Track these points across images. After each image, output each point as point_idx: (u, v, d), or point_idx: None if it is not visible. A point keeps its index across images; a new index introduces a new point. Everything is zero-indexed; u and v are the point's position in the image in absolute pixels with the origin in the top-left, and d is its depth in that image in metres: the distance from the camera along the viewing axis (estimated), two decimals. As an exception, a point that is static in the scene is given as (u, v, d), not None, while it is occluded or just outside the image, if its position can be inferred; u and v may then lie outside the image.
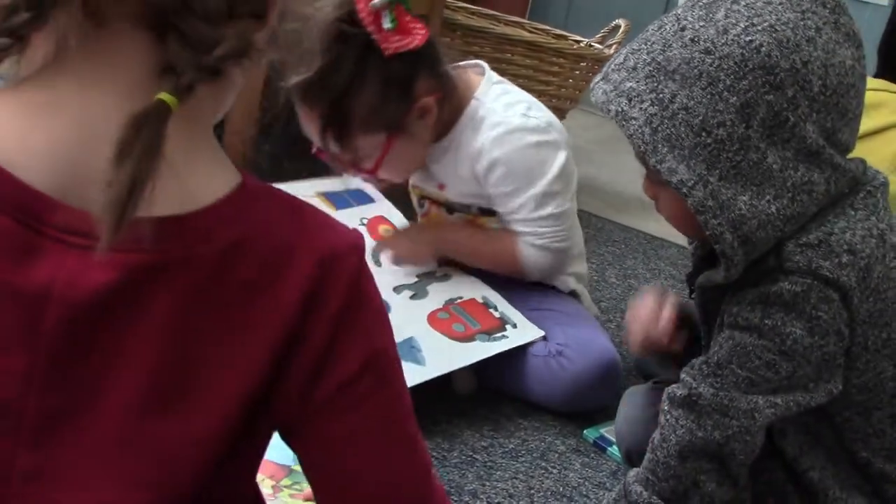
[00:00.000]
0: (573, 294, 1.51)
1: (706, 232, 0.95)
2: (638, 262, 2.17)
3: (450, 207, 1.53)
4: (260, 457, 0.61)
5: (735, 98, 0.90)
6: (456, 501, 1.17)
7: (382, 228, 1.57)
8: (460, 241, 1.49)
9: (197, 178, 0.54)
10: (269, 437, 0.60)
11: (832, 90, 0.92)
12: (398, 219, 1.59)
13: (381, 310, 0.60)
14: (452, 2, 2.58)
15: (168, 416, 0.52)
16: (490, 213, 1.49)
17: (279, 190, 0.58)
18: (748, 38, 0.90)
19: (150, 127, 0.48)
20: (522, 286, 1.49)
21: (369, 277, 0.59)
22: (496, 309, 1.41)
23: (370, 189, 1.61)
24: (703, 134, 0.91)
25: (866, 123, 1.57)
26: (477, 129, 1.41)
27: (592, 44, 2.66)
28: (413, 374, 1.24)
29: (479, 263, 1.49)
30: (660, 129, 0.92)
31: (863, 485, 1.02)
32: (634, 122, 0.93)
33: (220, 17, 0.51)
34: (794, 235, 0.95)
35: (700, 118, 0.91)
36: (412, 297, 1.43)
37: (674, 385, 1.02)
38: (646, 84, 0.93)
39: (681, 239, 2.43)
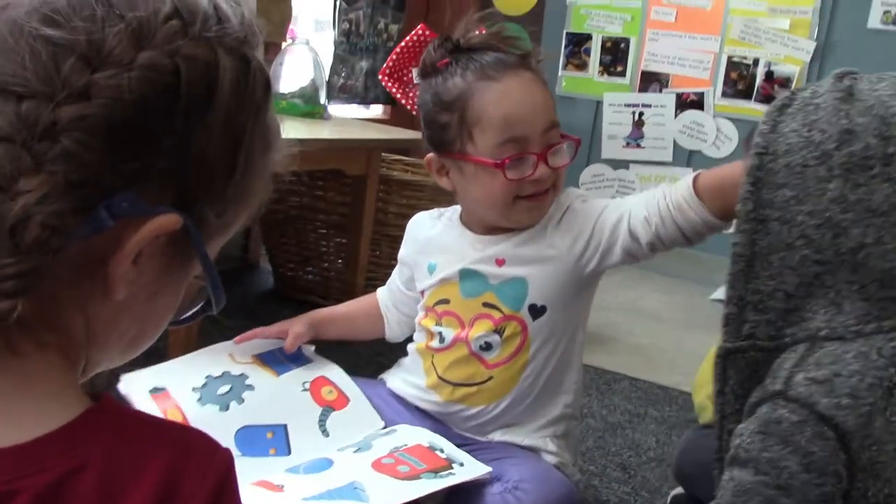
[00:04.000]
0: (557, 468, 1.43)
1: (740, 191, 0.99)
2: (593, 400, 2.17)
3: (480, 342, 1.42)
4: None
5: (846, 121, 0.96)
6: None
7: (325, 390, 1.55)
8: None
9: (25, 412, 0.50)
10: None
11: None
12: (341, 378, 1.57)
13: None
14: (387, 156, 2.65)
15: None
16: (539, 312, 1.41)
17: (134, 412, 0.54)
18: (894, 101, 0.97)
19: None
20: (486, 445, 1.46)
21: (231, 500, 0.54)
22: (442, 451, 1.39)
23: (306, 349, 1.59)
24: (808, 127, 0.97)
25: None
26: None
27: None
28: None
29: None
30: (796, 102, 1.00)
31: None
32: (804, 90, 1.01)
33: None
34: (805, 369, 0.96)
35: (817, 116, 0.97)
36: (356, 451, 1.41)
37: None
38: (831, 81, 1.01)
39: (633, 370, 2.45)
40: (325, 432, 1.47)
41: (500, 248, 1.41)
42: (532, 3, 4.11)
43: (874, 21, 3.36)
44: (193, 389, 1.42)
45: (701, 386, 1.88)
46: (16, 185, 0.46)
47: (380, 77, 1.42)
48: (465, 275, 1.43)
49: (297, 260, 2.68)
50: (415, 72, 1.39)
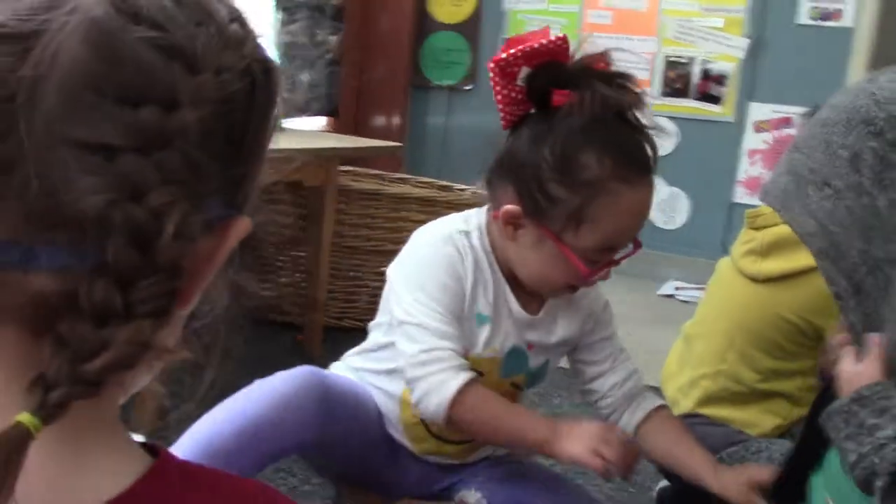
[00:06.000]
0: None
1: (824, 276, 1.03)
2: (563, 400, 2.19)
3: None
4: None
5: (845, 152, 1.03)
6: None
7: None
8: None
9: (88, 476, 0.46)
10: None
11: None
12: None
13: None
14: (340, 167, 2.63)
15: None
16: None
17: (195, 467, 0.52)
18: (853, 106, 1.04)
19: (2, 456, 0.40)
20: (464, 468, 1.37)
21: None
22: None
23: None
24: (825, 187, 1.03)
25: (804, 259, 1.65)
26: None
27: (478, 191, 2.75)
28: None
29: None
30: (791, 192, 1.06)
31: None
32: (772, 192, 1.09)
33: (112, 318, 0.43)
34: None
35: (822, 176, 1.03)
36: None
37: None
38: (784, 164, 1.09)
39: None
40: None
41: (536, 333, 1.30)
42: (469, 11, 4.14)
43: (803, 17, 3.46)
44: None
45: (670, 377, 1.91)
46: (146, 200, 0.43)
47: (490, 66, 1.16)
48: (512, 353, 1.29)
49: (252, 276, 2.64)
50: (524, 70, 1.16)
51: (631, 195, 1.15)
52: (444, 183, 2.87)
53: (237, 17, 0.50)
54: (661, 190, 3.81)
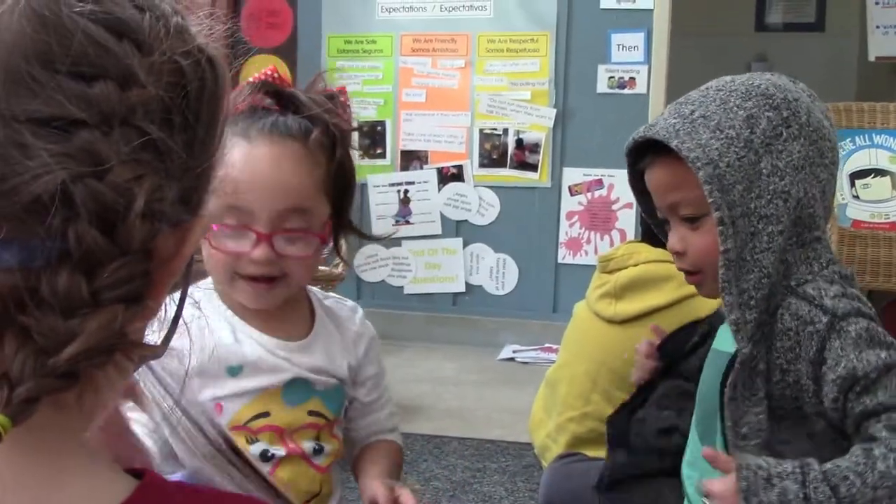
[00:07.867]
0: None
1: (709, 200, 1.09)
2: (431, 463, 2.17)
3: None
4: None
5: (742, 112, 1.13)
6: None
7: None
8: None
9: (72, 496, 0.44)
10: None
11: (813, 128, 1.14)
12: None
13: None
14: None
15: None
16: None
17: (187, 486, 0.50)
18: (750, 83, 1.16)
19: None
20: None
21: None
22: None
23: None
24: (717, 131, 1.11)
25: (657, 297, 1.75)
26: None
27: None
28: None
29: None
30: (681, 129, 1.12)
31: None
32: (658, 127, 1.14)
33: (80, 307, 0.40)
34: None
35: (715, 122, 1.12)
36: None
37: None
38: (669, 113, 1.17)
39: (456, 431, 2.48)
40: None
41: (310, 357, 1.25)
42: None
43: (602, 86, 3.73)
44: None
45: (538, 426, 1.95)
46: (110, 175, 0.41)
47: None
48: (291, 383, 1.23)
49: None
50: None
51: (246, 148, 1.13)
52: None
53: (179, 12, 0.50)
54: (489, 257, 3.93)
